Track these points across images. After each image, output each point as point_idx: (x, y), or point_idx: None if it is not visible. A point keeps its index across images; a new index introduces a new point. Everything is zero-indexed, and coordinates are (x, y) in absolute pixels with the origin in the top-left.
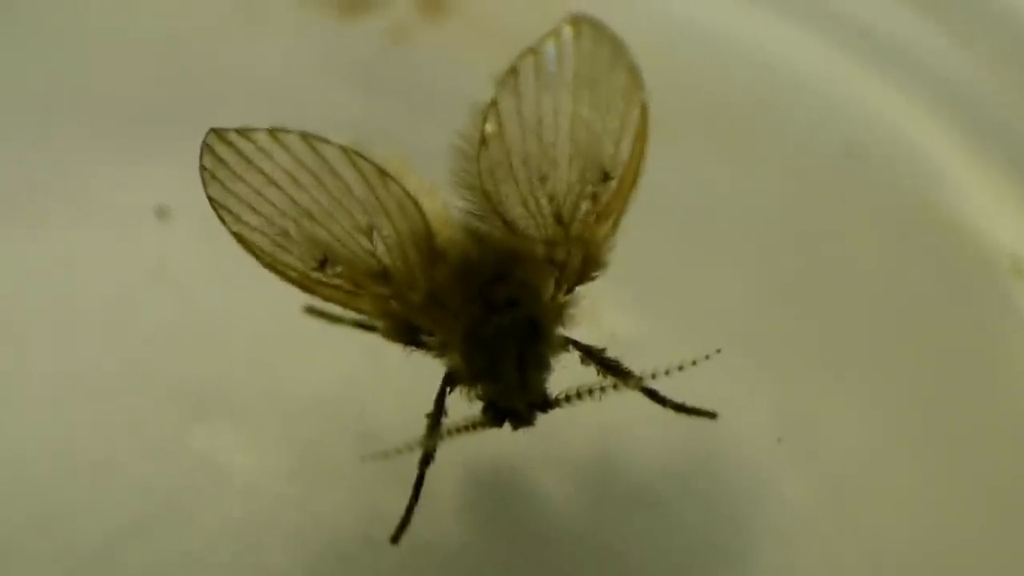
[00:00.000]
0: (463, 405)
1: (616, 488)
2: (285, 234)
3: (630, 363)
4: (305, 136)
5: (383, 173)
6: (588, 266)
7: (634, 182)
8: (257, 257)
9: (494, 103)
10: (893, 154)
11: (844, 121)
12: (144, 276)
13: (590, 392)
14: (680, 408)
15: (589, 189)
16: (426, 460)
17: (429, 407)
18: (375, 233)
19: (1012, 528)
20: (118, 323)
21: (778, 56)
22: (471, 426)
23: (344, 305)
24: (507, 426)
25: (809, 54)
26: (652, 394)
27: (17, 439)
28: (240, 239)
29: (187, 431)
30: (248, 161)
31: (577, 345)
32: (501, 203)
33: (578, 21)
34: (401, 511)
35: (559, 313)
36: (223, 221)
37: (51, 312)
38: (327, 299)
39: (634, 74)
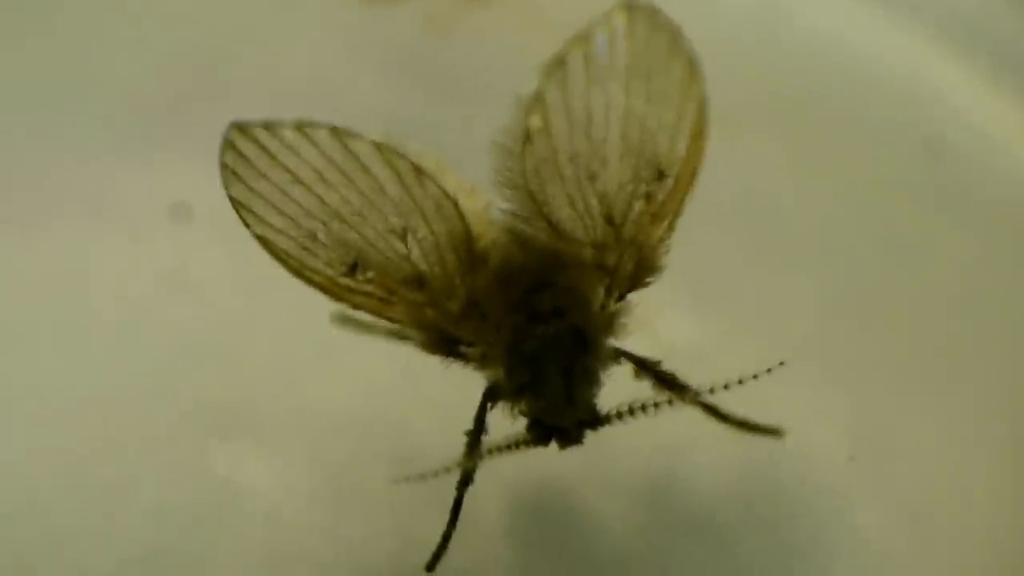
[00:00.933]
0: (505, 422)
1: (671, 513)
2: (312, 237)
3: (688, 376)
4: (335, 131)
5: (419, 171)
6: (641, 271)
7: (691, 180)
8: (282, 262)
9: (540, 96)
10: (978, 150)
11: (924, 114)
12: (159, 283)
13: (644, 408)
14: (742, 425)
15: (643, 188)
16: (465, 482)
17: (468, 424)
18: (410, 236)
19: None
20: (131, 333)
21: (851, 43)
22: (514, 445)
23: (376, 314)
24: (553, 445)
25: (885, 41)
26: (712, 410)
27: (23, 458)
28: (264, 242)
29: (206, 452)
30: (273, 158)
31: (629, 357)
32: (547, 204)
33: (631, 7)
34: (437, 537)
35: (610, 323)
36: (245, 223)
37: (59, 321)
38: (357, 307)
39: (692, 64)
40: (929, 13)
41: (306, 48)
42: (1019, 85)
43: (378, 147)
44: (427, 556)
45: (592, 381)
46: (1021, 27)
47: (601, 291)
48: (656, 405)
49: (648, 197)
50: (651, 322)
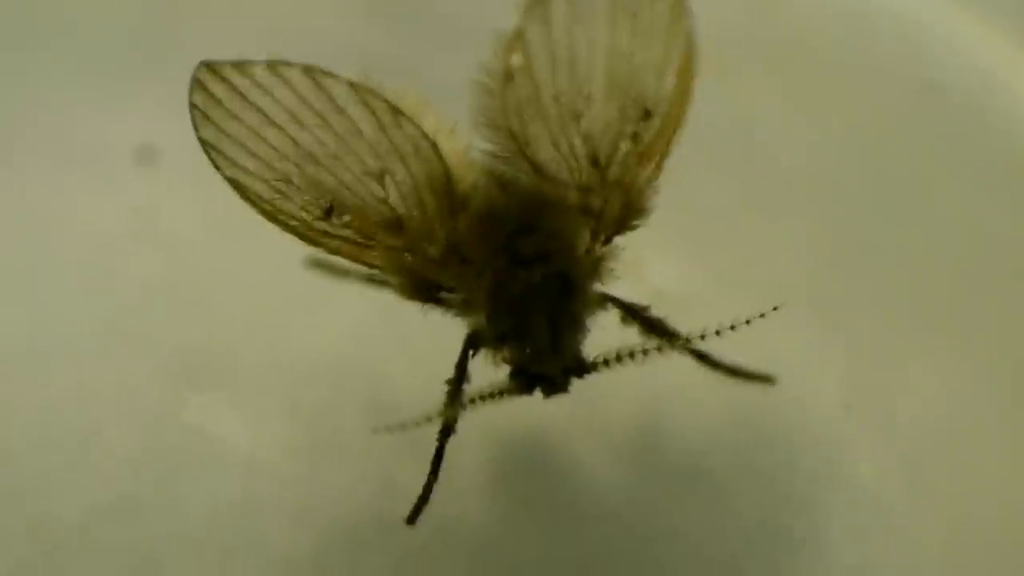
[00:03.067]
0: (488, 370)
1: (662, 463)
2: (286, 180)
3: (677, 322)
4: (309, 69)
5: (396, 111)
6: (628, 214)
7: (680, 120)
8: (255, 206)
9: (520, 32)
10: (977, 90)
11: (924, 53)
12: (128, 228)
13: (632, 355)
14: (734, 372)
15: (629, 128)
16: (446, 432)
17: (449, 372)
18: (388, 178)
19: None
20: (100, 279)
21: None
22: (497, 393)
23: (353, 259)
24: (538, 393)
25: None
26: (702, 357)
27: None
28: (236, 185)
29: (178, 401)
30: (244, 98)
31: (617, 303)
32: (529, 144)
33: None
34: (418, 488)
35: (595, 267)
36: (216, 166)
37: (24, 268)
38: (334, 252)
39: (679, 1)
40: None
41: None
42: (1021, 25)
43: (354, 86)
44: (408, 508)
45: (578, 327)
46: None
47: (587, 235)
48: (644, 352)
49: (635, 137)
50: (639, 266)
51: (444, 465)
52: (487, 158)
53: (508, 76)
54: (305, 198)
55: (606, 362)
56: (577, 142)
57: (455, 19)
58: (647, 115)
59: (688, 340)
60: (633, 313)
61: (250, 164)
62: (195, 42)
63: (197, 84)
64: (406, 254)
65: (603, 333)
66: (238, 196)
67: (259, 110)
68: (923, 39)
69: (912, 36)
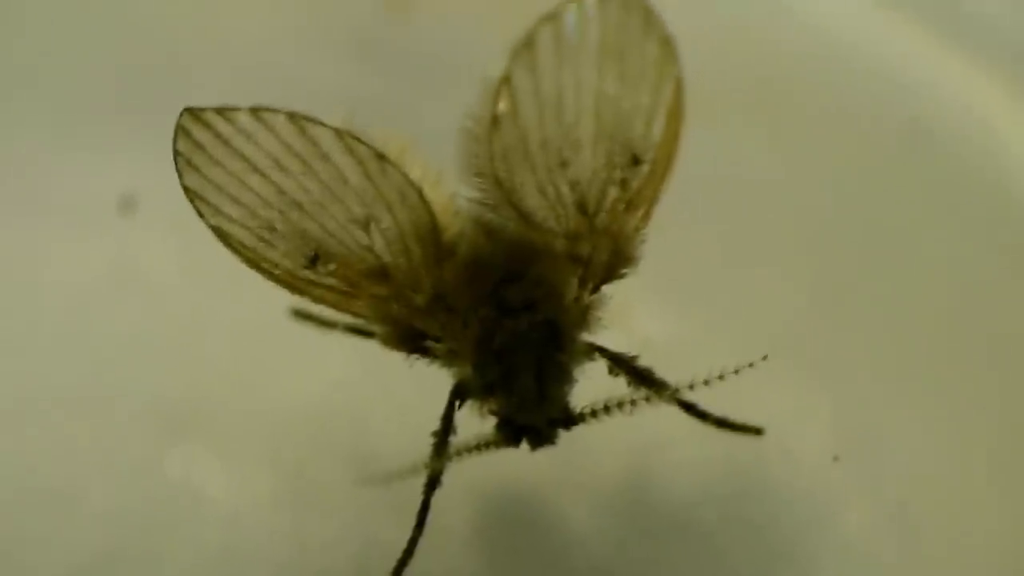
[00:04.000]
0: (474, 422)
1: (649, 516)
2: (270, 227)
3: (665, 372)
4: (293, 116)
5: (381, 158)
6: (616, 262)
7: (668, 167)
8: (238, 254)
9: (507, 78)
10: (964, 133)
11: (909, 100)
12: (108, 277)
13: (620, 406)
14: (723, 424)
15: (617, 175)
16: (432, 485)
17: (435, 424)
18: (373, 226)
19: None
20: (79, 330)
21: (832, 23)
22: (483, 445)
23: (337, 308)
24: (524, 445)
25: (867, 21)
26: (691, 408)
27: None
28: (219, 234)
29: (159, 454)
30: (228, 145)
31: (604, 352)
32: (516, 191)
33: None
34: (403, 543)
35: (583, 316)
36: (200, 213)
37: (2, 318)
38: (318, 301)
39: (667, 43)
40: None
41: (260, 29)
42: (1006, 70)
43: (338, 133)
44: (392, 562)
45: (565, 378)
46: (1008, 10)
47: (574, 283)
48: (632, 403)
49: (623, 184)
50: (627, 316)
51: (429, 519)
52: (473, 205)
53: (494, 123)
54: (289, 246)
55: (594, 413)
56: (564, 189)
57: (441, 64)
58: (635, 161)
59: (676, 390)
60: (621, 363)
61: (234, 211)
62: (177, 88)
63: (181, 131)
64: (391, 303)
65: (590, 383)
66: (221, 244)
67: (243, 157)
68: (907, 85)
69: (897, 82)
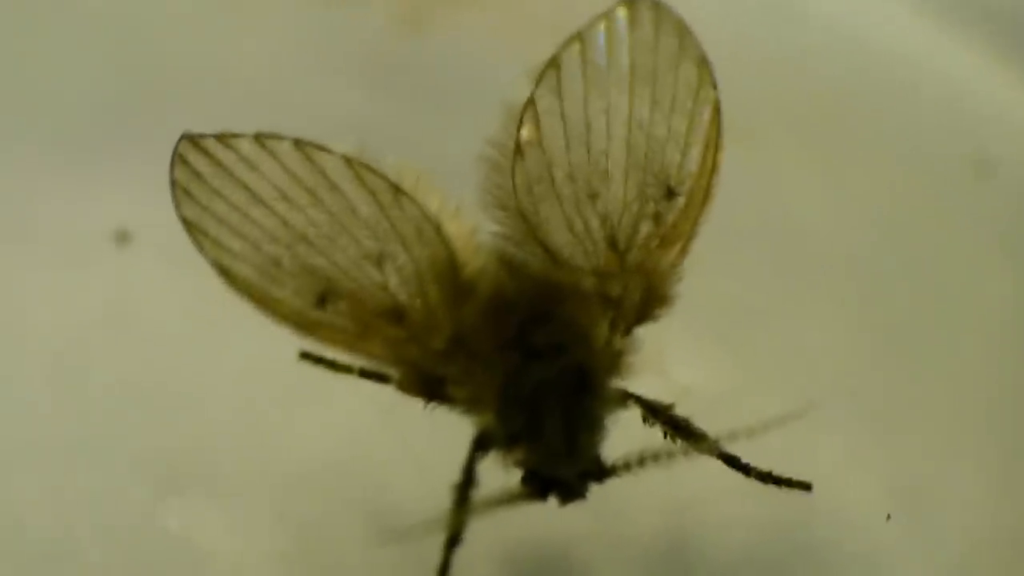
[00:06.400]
0: (498, 474)
1: None
2: (276, 264)
3: (704, 422)
4: (299, 143)
5: (396, 189)
6: (650, 302)
7: (705, 199)
8: (242, 292)
9: (531, 103)
10: None
11: (972, 128)
12: (103, 316)
13: (655, 458)
14: (767, 478)
15: (650, 208)
16: (453, 542)
17: (455, 476)
18: (387, 262)
19: None
20: (72, 374)
21: (890, 43)
22: (508, 499)
23: (350, 351)
24: (552, 500)
25: (930, 41)
26: (732, 461)
27: None
28: (221, 270)
29: (158, 508)
30: (229, 174)
31: (638, 400)
32: (541, 226)
33: (634, 1)
34: None
35: (614, 361)
36: (200, 248)
37: None
38: (329, 343)
39: (703, 65)
40: (979, 12)
41: (265, 52)
42: None
43: (349, 161)
44: None
45: (595, 427)
46: None
47: (605, 325)
48: (669, 455)
49: (656, 218)
50: (662, 361)
51: None
52: (495, 241)
53: (518, 151)
54: (296, 284)
55: (627, 466)
56: (594, 223)
57: (460, 87)
58: (670, 193)
59: (716, 442)
60: (656, 412)
61: (236, 246)
62: (175, 114)
63: (178, 159)
64: (407, 346)
65: (623, 434)
66: (223, 281)
67: (245, 187)
68: (973, 109)
69: (961, 106)
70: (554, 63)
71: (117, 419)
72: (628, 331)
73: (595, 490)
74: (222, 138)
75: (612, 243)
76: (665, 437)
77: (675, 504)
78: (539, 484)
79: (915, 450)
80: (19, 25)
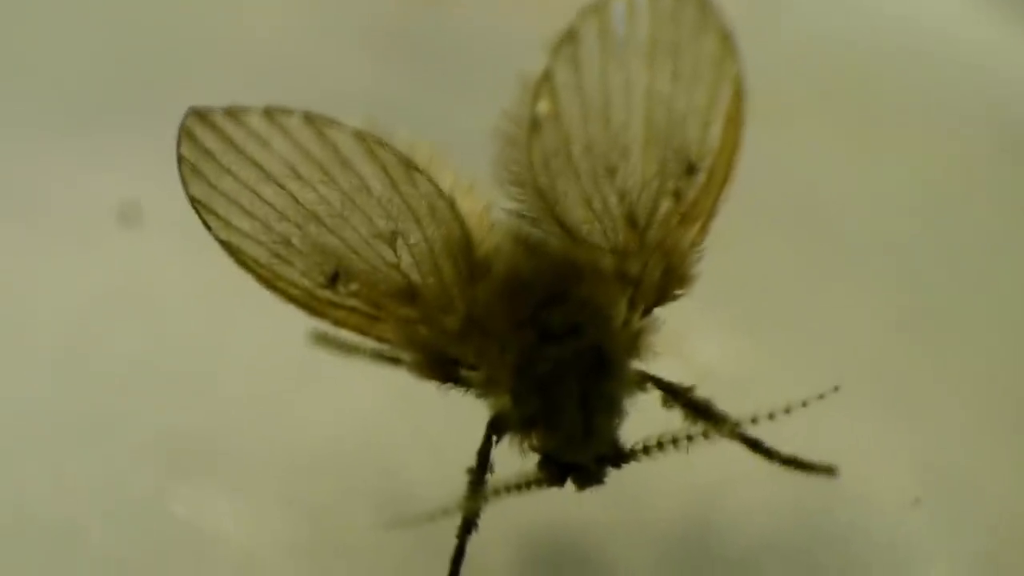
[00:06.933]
0: (514, 458)
1: (709, 566)
2: (286, 242)
3: (726, 405)
4: (310, 117)
5: (409, 165)
6: (670, 281)
7: (728, 174)
8: (251, 272)
9: (548, 75)
10: None
11: (1005, 103)
12: (109, 296)
13: (675, 442)
14: (791, 463)
15: (670, 184)
16: (467, 528)
17: (470, 460)
18: (399, 241)
19: None
20: (77, 355)
21: (920, 16)
22: (524, 484)
23: (361, 332)
24: (569, 485)
25: (961, 15)
26: (755, 445)
27: None
28: (229, 249)
29: (166, 492)
30: (238, 150)
31: (658, 383)
32: (558, 203)
33: None
34: None
35: (634, 342)
36: (208, 227)
37: None
38: (340, 325)
39: (726, 38)
40: None
41: (276, 23)
42: None
43: (360, 136)
44: None
45: (614, 410)
46: None
47: (623, 305)
48: (689, 439)
49: (677, 194)
50: (682, 342)
51: (465, 566)
52: (511, 218)
53: (534, 125)
54: (307, 263)
55: (646, 450)
56: (612, 200)
57: (474, 60)
58: (691, 169)
59: (739, 425)
60: (676, 394)
61: (245, 224)
62: (183, 87)
63: (186, 134)
64: (420, 327)
65: (643, 417)
66: (232, 260)
67: (255, 163)
68: (1006, 84)
69: (993, 81)
70: (571, 35)
71: (123, 401)
72: (647, 311)
73: (613, 475)
74: (231, 112)
75: (631, 220)
76: (685, 420)
77: (695, 489)
78: (556, 469)
79: (945, 434)
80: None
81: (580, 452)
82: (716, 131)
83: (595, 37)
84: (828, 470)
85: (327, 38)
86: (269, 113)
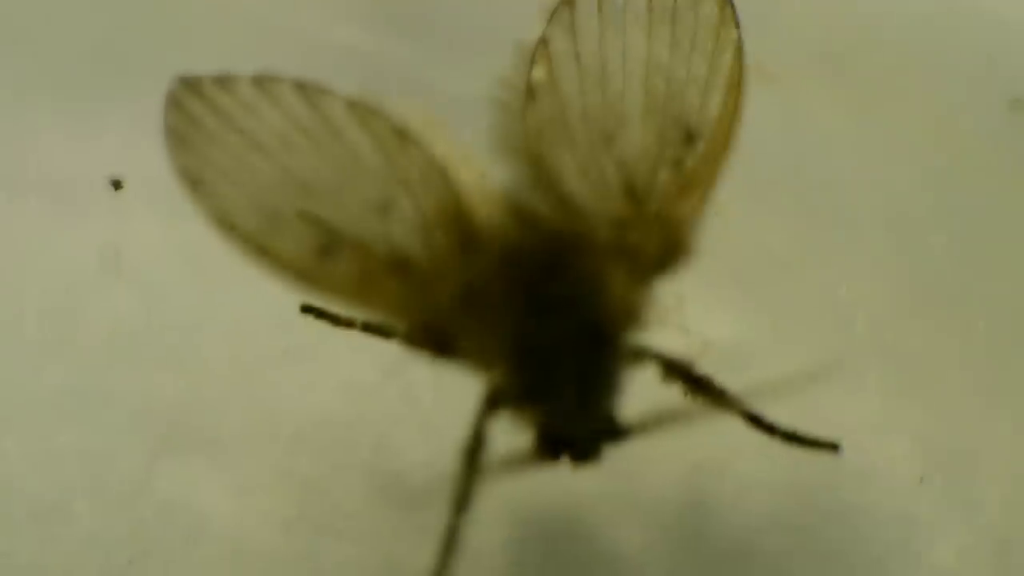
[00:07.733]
0: (509, 434)
1: (709, 544)
2: (276, 214)
3: (726, 380)
4: (301, 86)
5: (402, 134)
6: (669, 253)
7: (727, 143)
8: (240, 243)
9: (543, 42)
10: None
11: (1010, 65)
12: (96, 267)
13: (674, 417)
14: (793, 438)
15: (669, 153)
16: (461, 505)
17: (463, 435)
18: (392, 211)
19: None
20: (63, 328)
21: None
22: (519, 461)
23: (354, 304)
24: (566, 461)
25: None
26: (756, 420)
27: None
28: (218, 221)
29: (153, 467)
30: (227, 119)
31: (657, 356)
32: (555, 172)
33: None
34: (429, 570)
35: (632, 315)
36: (195, 199)
37: None
38: (332, 296)
39: (726, 5)
40: None
41: None
42: None
43: (352, 105)
44: None
45: (611, 385)
46: None
47: (621, 277)
48: (688, 414)
49: (676, 164)
50: (681, 315)
51: (458, 545)
52: (506, 187)
53: (530, 93)
54: (298, 234)
55: (644, 425)
56: (610, 169)
57: (470, 26)
58: (690, 138)
59: (739, 400)
60: (675, 369)
61: (234, 195)
62: (170, 54)
63: (172, 102)
64: (414, 298)
65: (641, 391)
66: (221, 232)
67: (244, 132)
68: (1010, 46)
69: (997, 42)
70: (568, 1)
71: (110, 374)
72: (646, 283)
73: (610, 451)
74: (219, 80)
75: (629, 190)
76: (685, 395)
77: (695, 465)
78: (551, 444)
79: (950, 409)
80: None
81: (576, 428)
82: (715, 99)
83: (592, 3)
84: (831, 446)
85: (319, 5)
86: (259, 81)
